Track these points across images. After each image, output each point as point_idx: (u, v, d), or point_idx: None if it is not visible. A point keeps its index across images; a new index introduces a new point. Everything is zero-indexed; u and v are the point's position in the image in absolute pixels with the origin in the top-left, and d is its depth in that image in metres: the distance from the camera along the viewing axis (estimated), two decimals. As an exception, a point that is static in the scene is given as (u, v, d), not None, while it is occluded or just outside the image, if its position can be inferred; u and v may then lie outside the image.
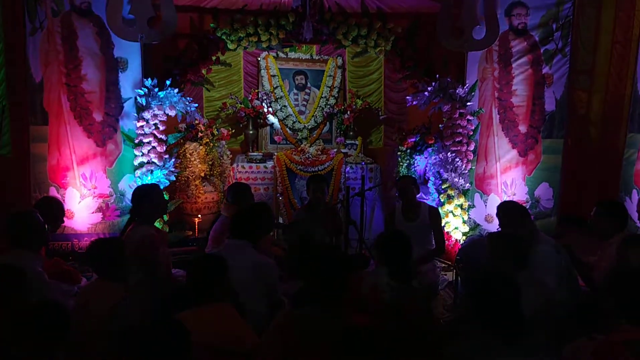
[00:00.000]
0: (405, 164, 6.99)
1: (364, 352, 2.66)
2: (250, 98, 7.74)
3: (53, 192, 6.11)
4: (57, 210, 4.75)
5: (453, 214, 6.35)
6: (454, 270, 5.25)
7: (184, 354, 2.42)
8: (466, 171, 6.39)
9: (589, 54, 8.20)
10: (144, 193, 4.44)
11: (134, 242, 4.15)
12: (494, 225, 5.73)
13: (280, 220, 7.02)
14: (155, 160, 6.08)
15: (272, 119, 7.84)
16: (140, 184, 5.84)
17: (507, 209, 4.64)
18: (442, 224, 5.95)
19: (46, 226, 4.19)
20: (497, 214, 4.68)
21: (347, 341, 2.68)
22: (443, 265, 5.88)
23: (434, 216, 5.74)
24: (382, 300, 3.56)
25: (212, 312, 3.03)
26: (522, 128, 6.58)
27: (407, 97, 6.66)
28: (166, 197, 5.67)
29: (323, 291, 2.95)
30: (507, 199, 6.49)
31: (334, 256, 3.15)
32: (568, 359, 2.98)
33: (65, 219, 5.13)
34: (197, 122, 6.75)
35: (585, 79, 8.25)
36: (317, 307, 2.94)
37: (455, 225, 6.38)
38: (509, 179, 6.66)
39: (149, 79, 6.00)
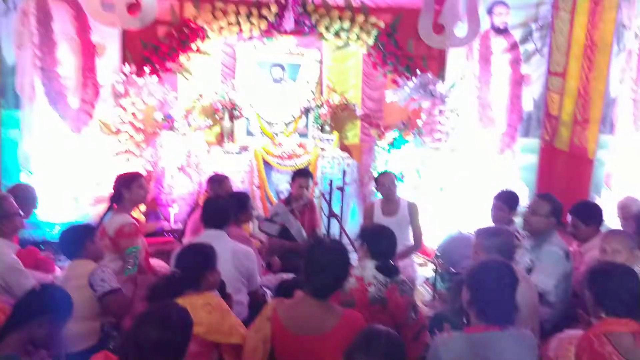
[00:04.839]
0: (383, 160, 7.00)
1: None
2: (226, 90, 7.64)
3: (24, 178, 5.93)
4: (30, 197, 4.62)
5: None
6: (432, 266, 5.27)
7: (186, 340, 2.34)
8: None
9: (562, 57, 8.37)
10: (126, 180, 4.34)
11: (114, 229, 4.07)
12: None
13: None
14: (133, 149, 5.95)
15: (248, 111, 7.75)
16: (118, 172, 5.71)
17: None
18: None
19: (20, 213, 4.07)
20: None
21: None
22: (419, 261, 5.90)
23: (413, 211, 5.77)
24: (368, 294, 3.55)
25: (202, 301, 2.97)
26: (500, 126, 6.63)
27: (388, 91, 6.64)
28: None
29: (324, 283, 2.89)
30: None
31: (343, 252, 3.07)
32: (551, 352, 3.03)
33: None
34: (172, 110, 6.64)
35: (558, 81, 8.42)
36: (309, 297, 2.90)
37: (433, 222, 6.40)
38: (486, 177, 6.70)
39: (127, 65, 5.87)
